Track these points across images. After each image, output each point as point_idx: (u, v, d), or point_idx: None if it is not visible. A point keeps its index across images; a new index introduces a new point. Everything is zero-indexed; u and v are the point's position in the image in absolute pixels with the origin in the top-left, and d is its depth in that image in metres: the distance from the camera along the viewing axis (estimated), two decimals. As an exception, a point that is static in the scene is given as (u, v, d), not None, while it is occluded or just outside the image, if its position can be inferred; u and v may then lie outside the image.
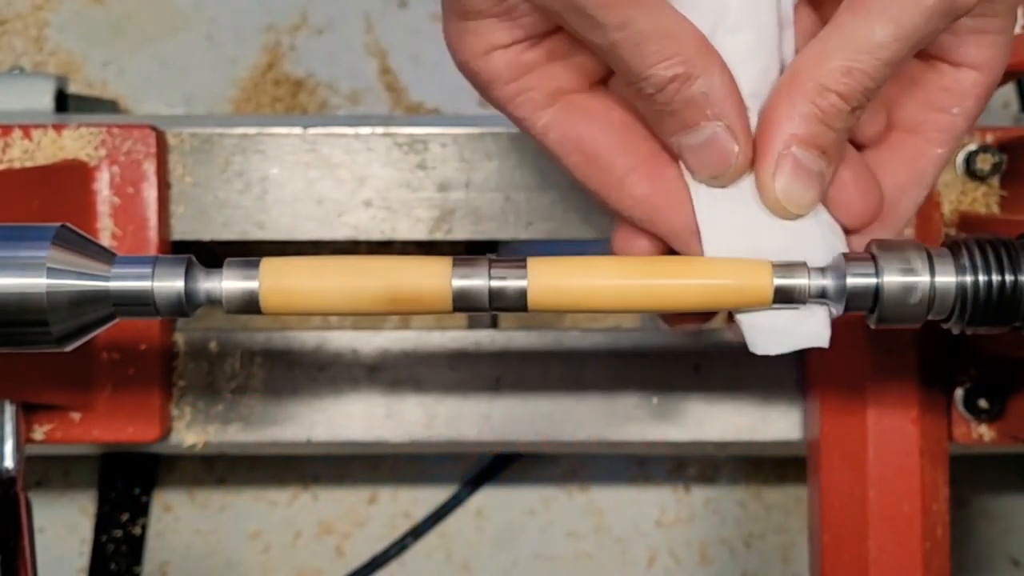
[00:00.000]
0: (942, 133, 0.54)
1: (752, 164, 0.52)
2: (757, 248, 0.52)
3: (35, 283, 0.49)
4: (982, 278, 0.51)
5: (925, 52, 0.52)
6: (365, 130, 0.77)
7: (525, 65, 0.53)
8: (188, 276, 0.50)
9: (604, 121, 0.54)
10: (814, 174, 0.51)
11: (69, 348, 0.51)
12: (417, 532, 1.01)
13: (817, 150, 0.50)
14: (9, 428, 0.69)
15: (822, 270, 0.52)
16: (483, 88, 0.54)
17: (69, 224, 0.51)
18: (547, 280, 0.51)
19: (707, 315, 0.57)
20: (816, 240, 0.52)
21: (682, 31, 0.50)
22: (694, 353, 0.79)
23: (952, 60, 0.53)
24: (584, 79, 0.55)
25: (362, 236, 0.78)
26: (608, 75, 0.56)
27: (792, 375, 0.79)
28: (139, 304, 0.50)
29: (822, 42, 0.50)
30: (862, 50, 0.48)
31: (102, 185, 0.75)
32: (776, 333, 0.52)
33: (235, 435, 0.79)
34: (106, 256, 0.50)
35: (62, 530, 1.01)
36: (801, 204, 0.51)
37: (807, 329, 0.52)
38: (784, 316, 0.52)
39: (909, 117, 0.54)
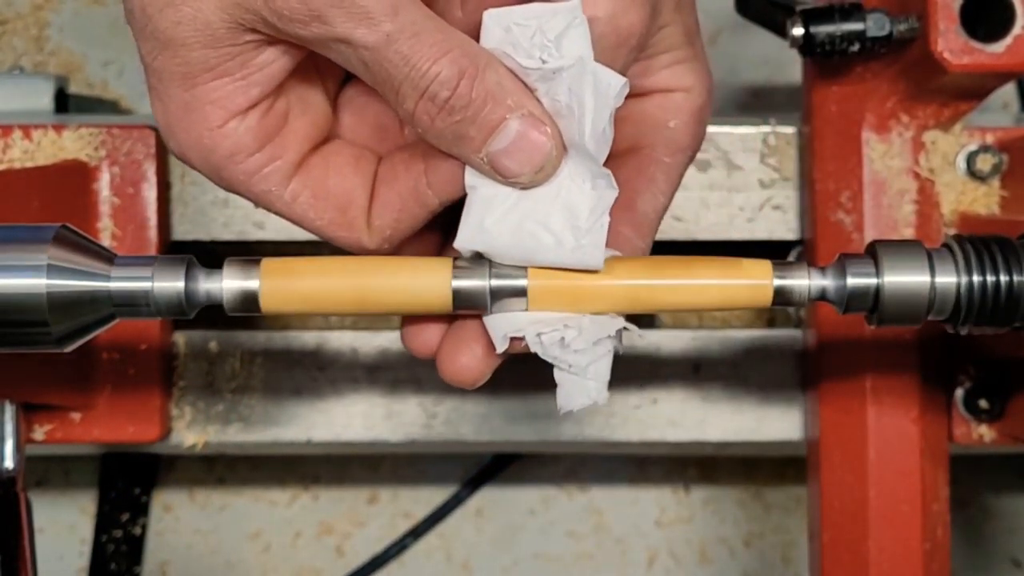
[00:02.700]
0: (666, 145, 0.55)
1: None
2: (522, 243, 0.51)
3: (35, 283, 0.49)
4: (982, 278, 0.51)
5: (638, 92, 0.54)
6: (365, 130, 0.77)
7: (269, 131, 0.50)
8: (188, 276, 0.50)
9: (350, 168, 0.53)
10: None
11: (69, 349, 0.51)
12: (417, 532, 1.01)
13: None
14: (9, 428, 0.69)
15: (822, 270, 0.52)
16: (219, 166, 0.50)
17: (69, 224, 0.51)
18: (547, 280, 0.51)
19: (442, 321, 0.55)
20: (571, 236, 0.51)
21: (451, 28, 0.48)
22: (694, 353, 0.79)
23: (661, 89, 0.55)
24: (316, 137, 0.53)
25: (362, 236, 0.78)
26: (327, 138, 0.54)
27: (792, 375, 0.79)
28: (139, 304, 0.50)
29: None
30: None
31: (102, 185, 0.75)
32: (566, 391, 0.52)
33: (235, 435, 0.79)
34: (106, 256, 0.50)
35: (62, 530, 1.01)
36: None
37: (586, 387, 0.52)
38: (567, 377, 0.52)
39: (634, 135, 0.55)
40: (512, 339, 0.51)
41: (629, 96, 0.51)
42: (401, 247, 0.53)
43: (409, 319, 0.54)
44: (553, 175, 0.50)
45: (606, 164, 0.51)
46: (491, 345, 0.52)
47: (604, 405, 0.79)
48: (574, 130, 0.49)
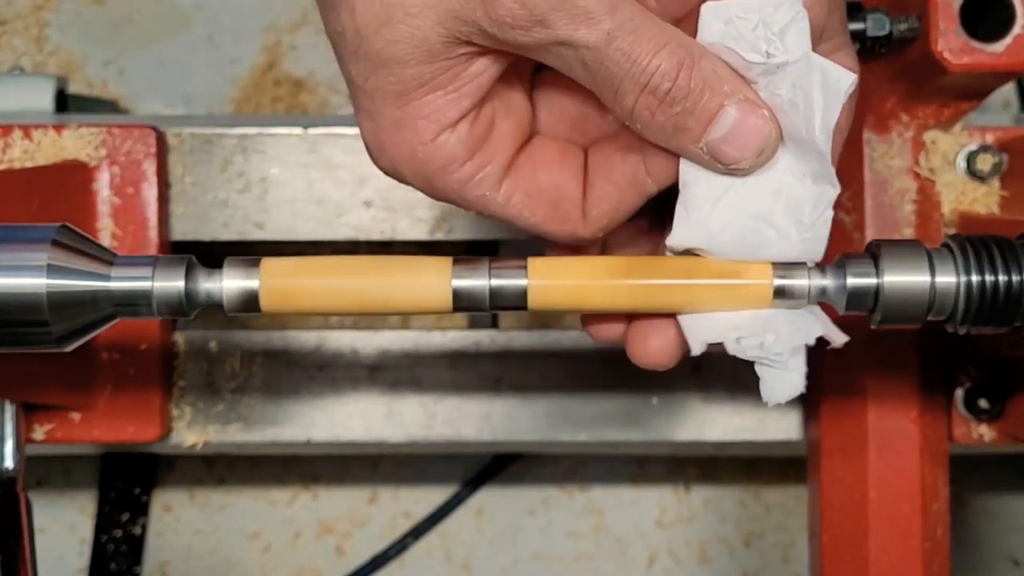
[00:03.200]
0: None
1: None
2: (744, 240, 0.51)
3: (35, 283, 0.49)
4: (982, 278, 0.51)
5: None
6: (365, 130, 0.77)
7: (478, 138, 0.51)
8: (188, 276, 0.50)
9: (557, 163, 0.53)
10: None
11: (69, 348, 0.51)
12: (417, 532, 1.01)
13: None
14: (9, 428, 0.69)
15: (822, 270, 0.52)
16: (432, 177, 0.51)
17: (69, 224, 0.51)
18: (547, 280, 0.51)
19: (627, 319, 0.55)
20: (793, 231, 0.51)
21: (662, 21, 0.48)
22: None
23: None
24: (521, 137, 0.53)
25: (362, 236, 0.78)
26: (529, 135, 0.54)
27: (792, 375, 0.79)
28: (139, 304, 0.50)
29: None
30: None
31: (102, 185, 0.75)
32: (770, 385, 0.51)
33: (235, 435, 0.79)
34: (106, 256, 0.50)
35: (62, 530, 1.01)
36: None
37: (789, 379, 0.51)
38: (770, 371, 0.51)
39: None
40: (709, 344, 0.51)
41: None
42: (611, 235, 0.54)
43: None
44: (772, 159, 0.50)
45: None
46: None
47: (607, 405, 0.79)
48: (797, 126, 0.49)
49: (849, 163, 0.73)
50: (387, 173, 0.52)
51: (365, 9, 0.48)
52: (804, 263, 0.52)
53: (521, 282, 0.51)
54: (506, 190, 0.52)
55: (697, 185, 0.50)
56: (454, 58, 0.49)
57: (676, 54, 0.47)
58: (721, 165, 0.50)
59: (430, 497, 1.02)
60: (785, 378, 0.51)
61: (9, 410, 0.69)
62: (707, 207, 0.50)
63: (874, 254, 0.52)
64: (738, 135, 0.49)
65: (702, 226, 0.51)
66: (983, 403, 0.74)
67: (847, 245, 0.72)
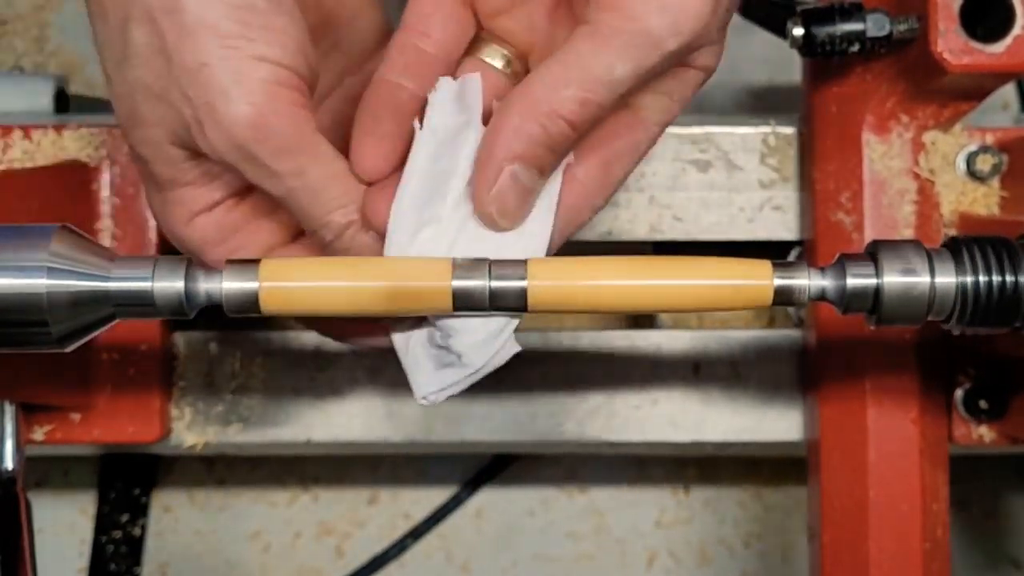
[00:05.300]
0: (662, 114, 0.56)
1: None
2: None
3: (35, 283, 0.49)
4: (982, 278, 0.51)
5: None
6: (365, 130, 0.77)
7: (230, 226, 0.56)
8: (188, 276, 0.50)
9: None
10: (528, 191, 0.52)
11: (69, 348, 0.51)
12: (417, 533, 1.01)
13: (537, 170, 0.52)
14: (9, 428, 0.68)
15: (822, 270, 0.52)
16: (195, 254, 0.57)
17: (69, 224, 0.51)
18: (547, 280, 0.51)
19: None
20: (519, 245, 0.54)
21: (354, 183, 0.53)
22: (694, 353, 0.79)
23: (687, 64, 0.55)
24: (287, 233, 0.58)
25: (362, 236, 0.78)
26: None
27: (792, 375, 0.79)
28: (139, 304, 0.50)
29: (560, 67, 0.51)
30: (599, 83, 0.50)
31: (102, 185, 0.75)
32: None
33: (235, 435, 0.79)
34: (106, 256, 0.51)
35: (62, 530, 1.01)
36: (513, 219, 0.53)
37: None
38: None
39: (639, 94, 0.55)
40: None
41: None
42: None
43: None
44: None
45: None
46: None
47: (607, 405, 0.79)
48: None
49: (848, 163, 0.73)
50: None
51: (120, 107, 0.53)
52: (804, 262, 0.52)
53: (521, 283, 0.51)
54: None
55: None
56: (197, 159, 0.53)
57: (349, 216, 0.53)
58: None
59: (430, 498, 1.02)
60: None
61: (9, 410, 0.69)
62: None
63: (873, 254, 0.52)
64: None
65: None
66: (983, 403, 0.74)
67: (846, 245, 0.72)
